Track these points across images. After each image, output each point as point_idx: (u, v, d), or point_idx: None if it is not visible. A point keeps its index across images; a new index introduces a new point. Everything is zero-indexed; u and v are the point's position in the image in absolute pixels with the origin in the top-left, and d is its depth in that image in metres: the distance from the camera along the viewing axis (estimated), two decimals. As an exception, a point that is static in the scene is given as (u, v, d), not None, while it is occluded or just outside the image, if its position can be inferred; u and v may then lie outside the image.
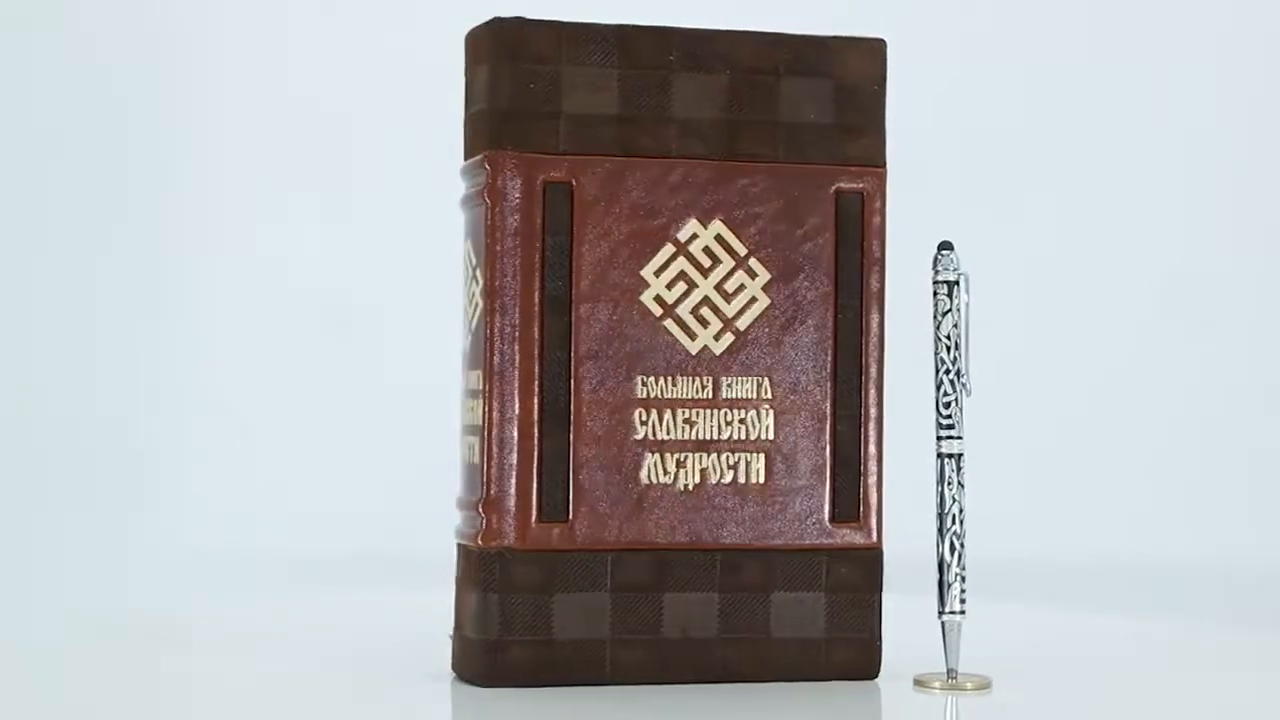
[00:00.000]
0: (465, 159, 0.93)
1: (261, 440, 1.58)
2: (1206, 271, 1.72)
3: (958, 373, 0.92)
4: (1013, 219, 1.67)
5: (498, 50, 0.89)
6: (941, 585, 0.91)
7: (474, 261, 0.91)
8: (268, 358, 1.61)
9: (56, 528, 1.53)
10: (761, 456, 0.91)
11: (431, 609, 1.00)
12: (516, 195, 0.89)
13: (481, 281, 0.90)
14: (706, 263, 0.91)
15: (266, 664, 0.98)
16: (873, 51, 0.93)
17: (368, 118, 1.65)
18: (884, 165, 0.93)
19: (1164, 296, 1.71)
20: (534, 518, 0.89)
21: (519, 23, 0.90)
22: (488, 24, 0.90)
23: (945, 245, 0.93)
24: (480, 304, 0.90)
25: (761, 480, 0.91)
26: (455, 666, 0.91)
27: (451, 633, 0.97)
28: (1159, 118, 1.75)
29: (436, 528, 0.99)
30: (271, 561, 1.44)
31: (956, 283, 0.92)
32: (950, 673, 0.91)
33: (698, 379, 0.91)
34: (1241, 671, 1.03)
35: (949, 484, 0.92)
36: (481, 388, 0.89)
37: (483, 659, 0.89)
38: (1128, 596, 1.42)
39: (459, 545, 0.92)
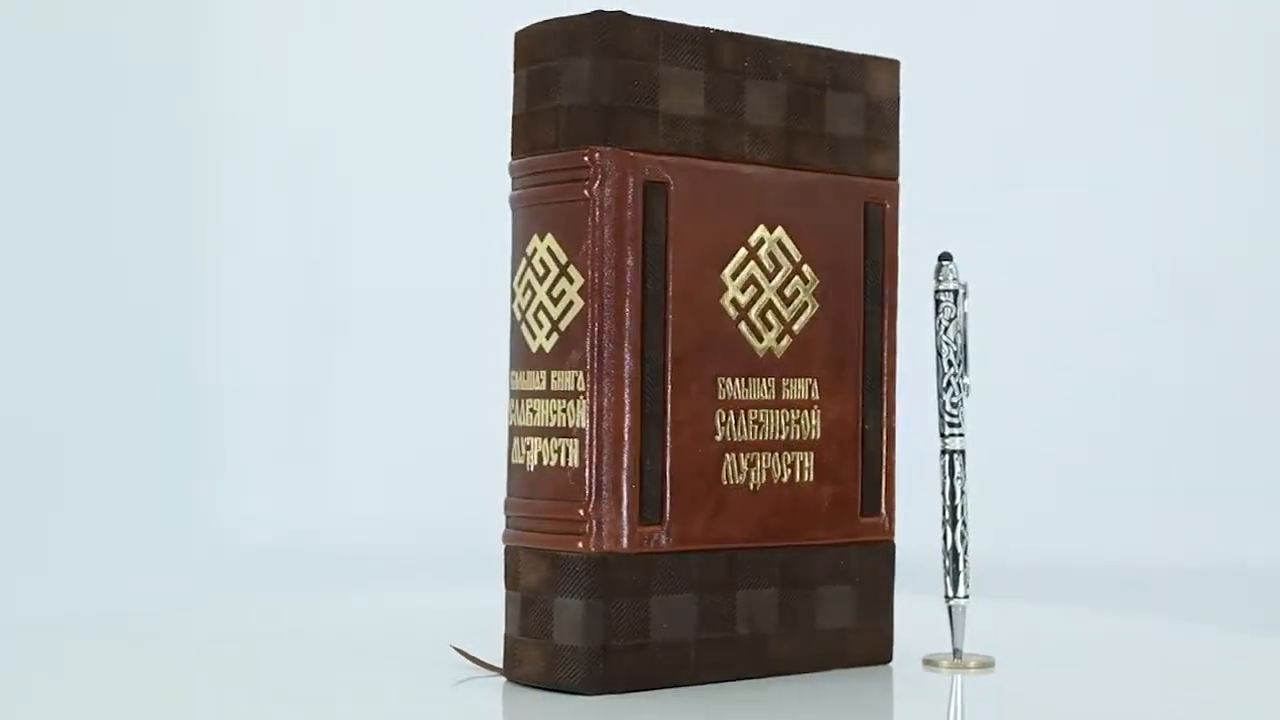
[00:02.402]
0: (531, 153, 0.89)
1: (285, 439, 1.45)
2: (1208, 273, 1.81)
3: (960, 375, 0.99)
4: (1011, 225, 1.71)
5: (601, 43, 0.87)
6: (951, 572, 0.98)
7: (562, 260, 0.88)
8: (279, 358, 1.48)
9: (86, 525, 1.34)
10: (811, 455, 0.94)
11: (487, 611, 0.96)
12: (621, 193, 0.87)
13: (578, 280, 0.87)
14: (771, 267, 0.93)
15: (349, 665, 0.93)
16: (892, 69, 0.98)
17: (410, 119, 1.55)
18: (898, 178, 0.98)
19: (1166, 299, 1.78)
20: (635, 521, 0.88)
21: (622, 17, 0.88)
22: (590, 16, 0.88)
23: (945, 256, 0.99)
24: (577, 303, 0.87)
25: (811, 478, 0.94)
26: (537, 675, 0.88)
27: (459, 646, 0.93)
28: (1158, 121, 1.83)
29: (445, 528, 0.95)
30: (309, 557, 1.30)
31: (958, 292, 0.99)
32: (956, 652, 0.98)
33: (764, 380, 0.92)
34: (1237, 664, 1.06)
35: (956, 478, 0.98)
36: (579, 389, 0.87)
37: (587, 667, 0.87)
38: (1125, 594, 1.50)
39: (527, 550, 0.89)
